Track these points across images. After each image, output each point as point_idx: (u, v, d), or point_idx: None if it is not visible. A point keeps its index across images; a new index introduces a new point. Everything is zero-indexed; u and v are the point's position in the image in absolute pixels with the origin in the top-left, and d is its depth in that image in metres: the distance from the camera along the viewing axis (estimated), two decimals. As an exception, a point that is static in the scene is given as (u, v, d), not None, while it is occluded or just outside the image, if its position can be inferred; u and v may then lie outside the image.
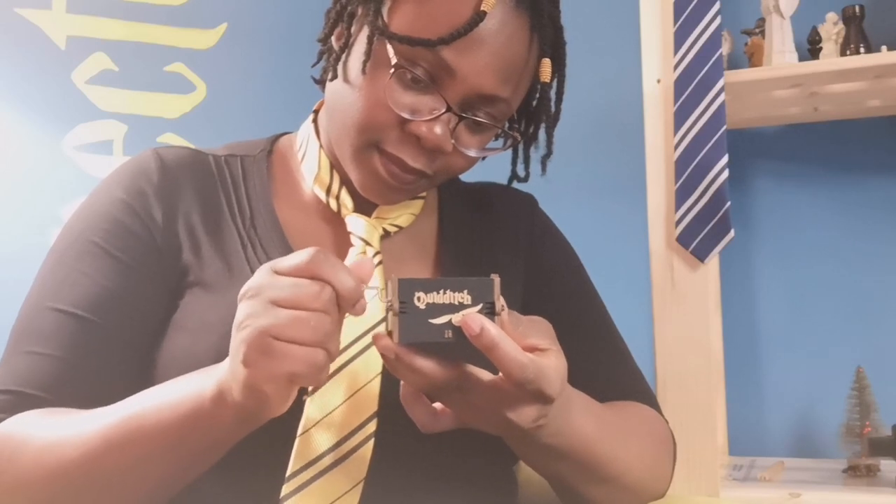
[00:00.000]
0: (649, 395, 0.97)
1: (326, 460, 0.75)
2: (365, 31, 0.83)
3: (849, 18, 1.60)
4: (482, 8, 0.79)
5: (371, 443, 0.76)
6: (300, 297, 0.63)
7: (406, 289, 0.65)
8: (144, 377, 0.83)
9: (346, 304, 0.65)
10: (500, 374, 0.67)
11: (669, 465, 0.94)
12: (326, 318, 0.63)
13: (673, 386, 1.53)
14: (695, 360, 1.52)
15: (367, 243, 0.87)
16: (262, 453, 0.75)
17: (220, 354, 0.67)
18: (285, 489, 0.74)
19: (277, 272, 0.64)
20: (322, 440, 0.75)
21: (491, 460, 0.87)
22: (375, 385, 0.77)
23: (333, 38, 0.88)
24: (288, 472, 0.75)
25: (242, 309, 0.64)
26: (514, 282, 0.96)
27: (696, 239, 1.50)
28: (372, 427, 0.77)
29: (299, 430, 0.75)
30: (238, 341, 0.64)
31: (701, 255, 1.51)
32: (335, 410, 0.76)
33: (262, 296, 0.63)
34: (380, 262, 0.86)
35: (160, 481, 0.73)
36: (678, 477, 0.99)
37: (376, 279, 0.84)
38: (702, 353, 1.52)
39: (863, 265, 1.79)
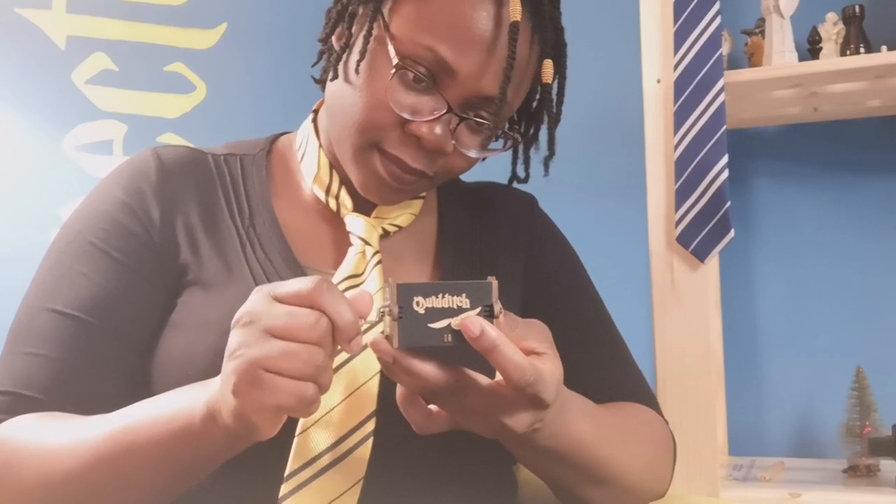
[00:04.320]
0: (649, 395, 0.97)
1: (325, 460, 0.75)
2: (366, 32, 0.83)
3: (849, 18, 1.60)
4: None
5: (370, 442, 0.76)
6: (295, 328, 0.62)
7: (405, 294, 0.64)
8: (142, 377, 0.83)
9: (342, 338, 0.64)
10: (498, 377, 0.67)
11: (669, 465, 0.94)
12: (320, 351, 0.62)
13: (673, 386, 1.52)
14: (695, 360, 1.52)
15: (367, 243, 0.87)
16: (261, 453, 0.75)
17: (217, 354, 0.66)
18: (284, 488, 0.74)
19: (276, 298, 0.63)
20: (320, 439, 0.75)
21: (490, 460, 0.87)
22: (374, 384, 0.77)
23: (334, 38, 0.88)
24: (286, 472, 0.75)
25: (235, 336, 0.64)
26: (514, 282, 0.96)
27: (696, 239, 1.50)
28: (370, 426, 0.77)
29: (298, 430, 0.75)
30: (229, 370, 0.63)
31: (701, 255, 1.51)
32: (333, 410, 0.76)
33: (257, 324, 0.63)
34: (378, 262, 0.86)
35: (153, 493, 0.73)
36: (678, 477, 0.99)
37: (375, 279, 0.84)
38: (702, 353, 1.52)
39: (863, 265, 1.79)
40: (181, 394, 0.71)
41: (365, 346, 0.75)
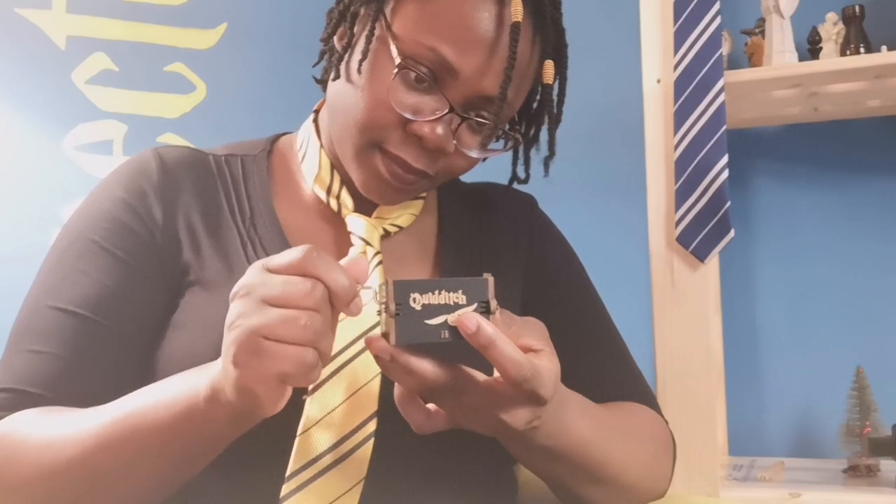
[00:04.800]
0: (649, 395, 0.98)
1: (326, 460, 0.75)
2: (368, 32, 0.83)
3: (849, 18, 1.60)
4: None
5: (371, 442, 0.76)
6: (291, 295, 0.62)
7: (401, 290, 0.65)
8: (144, 376, 0.83)
9: (339, 302, 0.64)
10: (496, 374, 0.67)
11: (669, 465, 0.94)
12: (318, 316, 0.63)
13: (673, 386, 1.52)
14: (695, 360, 1.52)
15: (368, 243, 0.87)
16: (262, 453, 0.75)
17: (219, 353, 0.66)
18: (285, 489, 0.74)
19: (270, 270, 0.64)
20: (322, 440, 0.75)
21: (491, 461, 0.87)
22: (375, 385, 0.77)
23: (336, 38, 0.88)
24: (288, 472, 0.75)
25: (234, 308, 0.64)
26: (514, 282, 0.96)
27: (696, 239, 1.50)
28: (372, 426, 0.77)
29: (299, 430, 0.75)
30: (229, 341, 0.63)
31: (701, 255, 1.51)
32: (335, 410, 0.76)
33: (253, 295, 0.63)
34: (379, 262, 0.86)
35: (157, 479, 0.73)
36: (678, 477, 0.99)
37: (376, 279, 0.84)
38: (702, 353, 1.52)
39: (863, 265, 1.79)
40: (184, 377, 0.71)
41: (364, 350, 0.75)
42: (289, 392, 0.65)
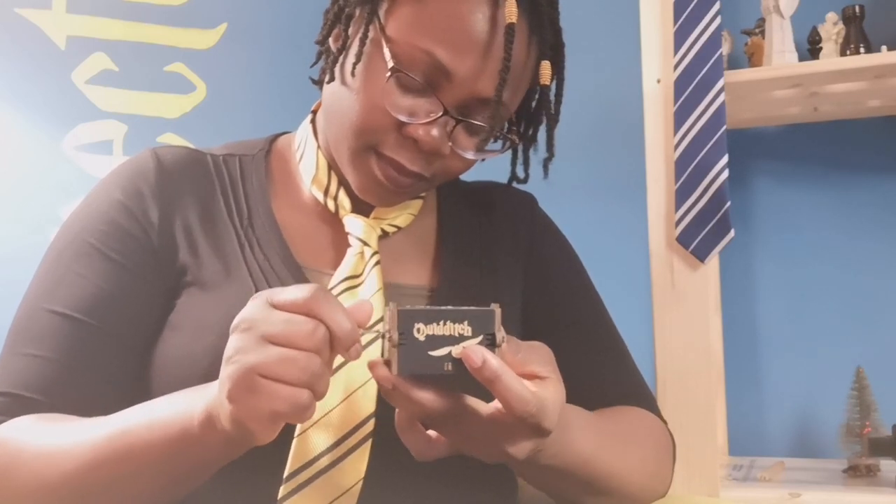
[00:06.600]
0: (648, 397, 0.97)
1: (324, 461, 0.75)
2: (362, 34, 0.82)
3: (849, 18, 1.60)
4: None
5: (369, 443, 0.76)
6: (293, 335, 0.62)
7: (405, 320, 0.64)
8: (141, 378, 0.83)
9: (340, 346, 0.64)
10: (500, 406, 0.66)
11: (669, 467, 0.94)
12: (316, 358, 0.62)
13: (673, 386, 1.52)
14: (695, 360, 1.51)
15: (365, 244, 0.87)
16: (260, 454, 0.75)
17: (216, 355, 0.66)
18: (283, 490, 0.74)
19: (274, 305, 0.63)
20: (320, 441, 0.75)
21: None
22: (373, 386, 0.77)
23: (331, 40, 0.88)
24: (286, 473, 0.75)
25: (233, 342, 0.64)
26: (515, 282, 0.96)
27: (696, 239, 1.50)
28: (369, 427, 0.76)
29: (297, 431, 0.75)
30: (225, 375, 0.63)
31: (701, 255, 1.51)
32: (333, 411, 0.76)
33: (254, 330, 0.62)
34: (377, 263, 0.86)
35: (152, 496, 0.73)
36: (678, 477, 0.99)
37: (375, 280, 0.84)
38: (702, 353, 1.51)
39: (863, 265, 1.79)
40: (180, 397, 0.71)
41: (366, 346, 0.75)
42: (281, 426, 0.64)
